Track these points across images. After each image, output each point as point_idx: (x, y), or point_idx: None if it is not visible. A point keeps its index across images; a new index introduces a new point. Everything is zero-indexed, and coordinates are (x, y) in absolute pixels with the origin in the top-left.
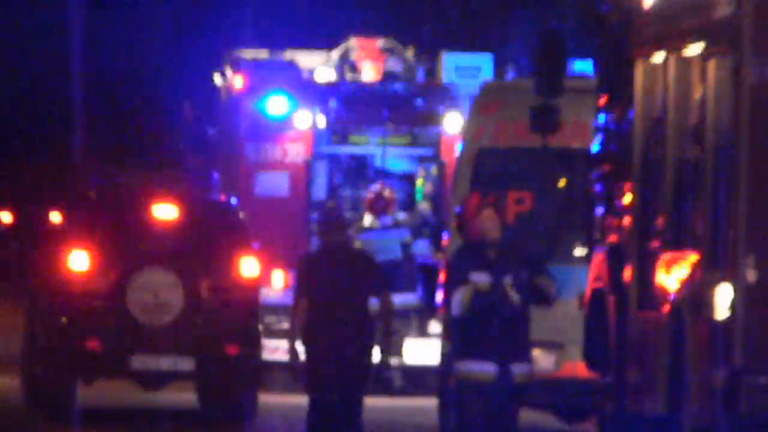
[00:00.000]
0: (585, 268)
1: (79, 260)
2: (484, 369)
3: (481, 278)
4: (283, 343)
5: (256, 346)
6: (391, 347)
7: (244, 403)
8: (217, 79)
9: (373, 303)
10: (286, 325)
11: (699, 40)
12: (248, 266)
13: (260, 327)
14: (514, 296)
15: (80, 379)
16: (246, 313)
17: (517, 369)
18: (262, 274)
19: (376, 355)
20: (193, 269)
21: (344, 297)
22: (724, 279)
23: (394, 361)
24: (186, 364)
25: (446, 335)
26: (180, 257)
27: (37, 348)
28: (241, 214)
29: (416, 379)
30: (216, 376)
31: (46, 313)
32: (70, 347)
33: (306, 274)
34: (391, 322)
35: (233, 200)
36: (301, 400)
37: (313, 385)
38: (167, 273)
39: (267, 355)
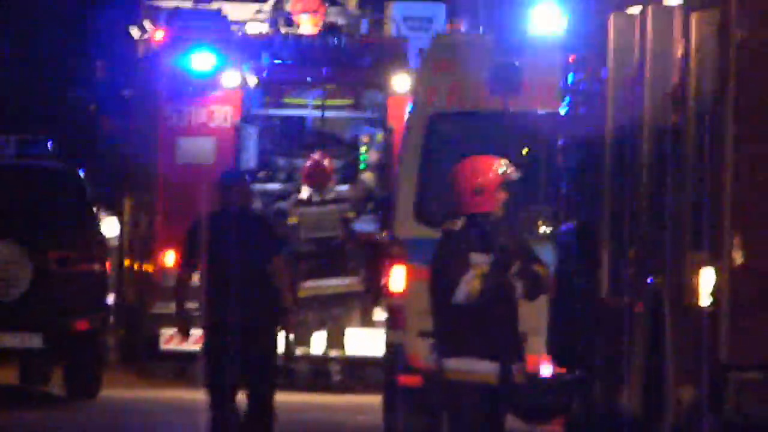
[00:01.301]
0: (550, 247)
1: None
2: (485, 368)
3: (481, 260)
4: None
5: (105, 321)
6: (290, 322)
7: (91, 381)
8: (134, 32)
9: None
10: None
11: None
12: (95, 237)
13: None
14: (519, 284)
15: None
16: (95, 287)
17: (516, 367)
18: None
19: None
20: (40, 242)
21: (239, 264)
22: (707, 262)
23: (303, 349)
24: (33, 340)
25: (435, 324)
26: (26, 229)
27: None
28: (85, 182)
29: (359, 374)
30: (65, 352)
31: None
32: None
33: (191, 241)
34: (289, 293)
35: (78, 169)
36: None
37: (210, 367)
38: (14, 246)
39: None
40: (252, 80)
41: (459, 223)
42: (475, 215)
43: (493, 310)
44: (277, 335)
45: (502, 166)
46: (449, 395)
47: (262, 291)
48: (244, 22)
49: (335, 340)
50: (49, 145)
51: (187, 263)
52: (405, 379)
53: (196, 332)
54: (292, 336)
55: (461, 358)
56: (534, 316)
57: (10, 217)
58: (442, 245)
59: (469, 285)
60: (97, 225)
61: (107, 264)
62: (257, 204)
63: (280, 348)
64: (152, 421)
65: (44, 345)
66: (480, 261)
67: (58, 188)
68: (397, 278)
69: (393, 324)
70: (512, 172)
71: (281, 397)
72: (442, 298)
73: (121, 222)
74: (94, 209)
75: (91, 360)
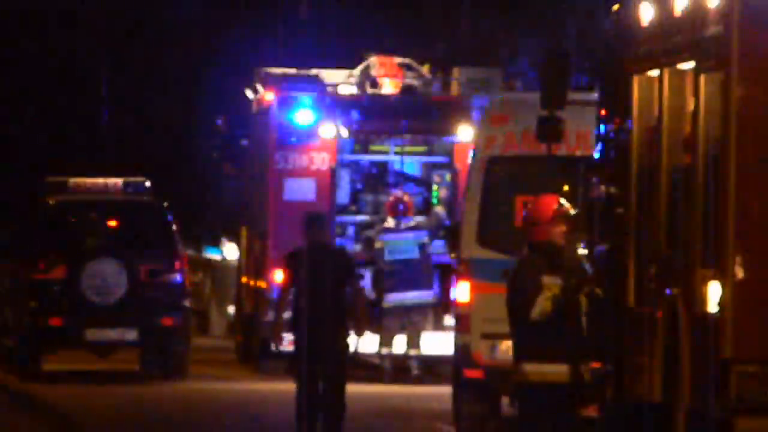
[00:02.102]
0: (588, 265)
1: (42, 257)
2: (559, 369)
3: (552, 282)
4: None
5: (186, 318)
6: (361, 330)
7: (179, 364)
8: (249, 93)
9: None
10: None
11: (691, 56)
12: (176, 254)
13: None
14: (584, 302)
15: (45, 350)
16: (176, 292)
17: (584, 367)
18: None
19: (352, 339)
20: (133, 259)
21: (322, 287)
22: (714, 277)
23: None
24: (131, 334)
25: (513, 335)
26: (123, 249)
27: (9, 325)
28: (169, 214)
29: (433, 369)
30: (155, 343)
31: (18, 298)
32: (36, 324)
33: (291, 267)
34: (361, 309)
35: (164, 203)
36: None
37: (297, 365)
38: (113, 262)
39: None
40: (344, 132)
41: (524, 250)
42: (533, 243)
43: (562, 323)
44: (347, 341)
45: (557, 204)
46: (528, 393)
47: (338, 306)
48: (337, 85)
49: (413, 341)
50: (146, 184)
51: (287, 282)
52: (470, 373)
53: (290, 336)
54: (360, 342)
55: (538, 362)
56: None
57: (111, 239)
58: (517, 269)
59: (541, 306)
60: (177, 245)
61: (186, 276)
62: (348, 232)
63: (352, 348)
64: (258, 404)
65: (139, 338)
66: (551, 282)
67: (148, 218)
68: (463, 291)
69: (460, 328)
70: (568, 208)
71: (370, 388)
72: (519, 314)
73: (240, 247)
74: (177, 234)
75: (176, 349)
